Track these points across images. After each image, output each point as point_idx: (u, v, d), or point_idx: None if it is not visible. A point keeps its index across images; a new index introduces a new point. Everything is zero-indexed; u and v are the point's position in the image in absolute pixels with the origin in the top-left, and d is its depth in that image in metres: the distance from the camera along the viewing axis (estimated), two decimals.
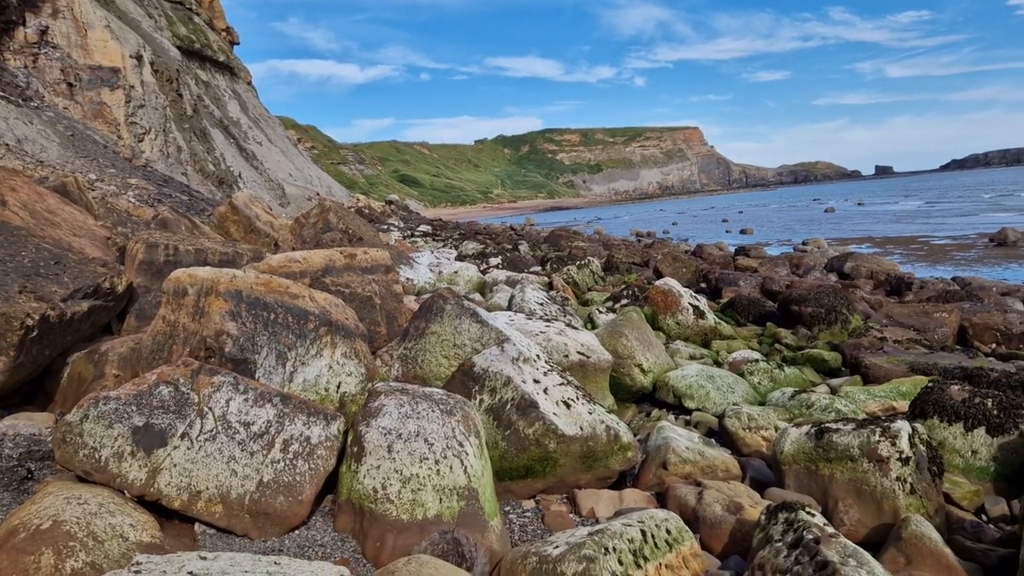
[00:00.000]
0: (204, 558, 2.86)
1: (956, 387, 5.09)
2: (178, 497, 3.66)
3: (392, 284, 6.26)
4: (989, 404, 4.81)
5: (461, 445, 3.91)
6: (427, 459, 3.79)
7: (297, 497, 3.81)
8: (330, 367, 4.57)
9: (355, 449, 3.89)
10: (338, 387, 4.59)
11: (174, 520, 3.75)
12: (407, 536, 3.64)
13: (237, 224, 10.39)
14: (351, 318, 4.82)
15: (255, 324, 4.41)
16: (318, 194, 41.61)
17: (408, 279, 10.98)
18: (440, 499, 3.73)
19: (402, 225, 41.44)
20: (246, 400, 3.93)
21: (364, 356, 4.79)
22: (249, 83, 51.99)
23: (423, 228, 38.12)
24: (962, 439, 4.80)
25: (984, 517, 4.41)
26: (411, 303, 7.72)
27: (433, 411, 4.01)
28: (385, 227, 34.20)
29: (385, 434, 3.87)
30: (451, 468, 3.81)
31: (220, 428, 3.81)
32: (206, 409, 3.85)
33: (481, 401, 4.68)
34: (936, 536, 3.61)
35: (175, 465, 3.69)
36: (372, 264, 6.16)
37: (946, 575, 3.43)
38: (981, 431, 4.76)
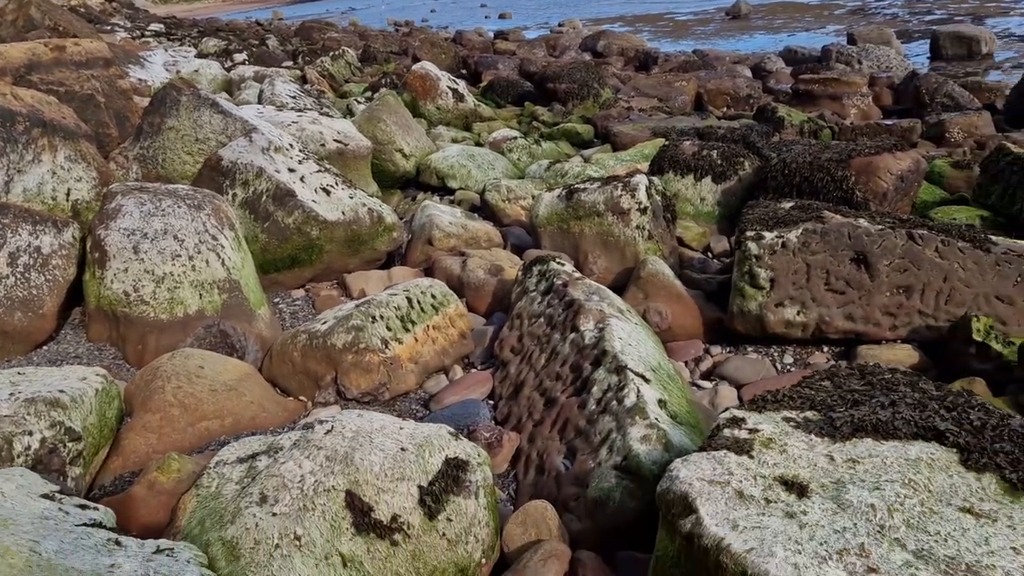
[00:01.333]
0: None
1: (688, 143, 5.56)
2: None
3: (116, 80, 5.60)
4: (714, 155, 5.32)
5: (215, 239, 3.75)
6: (180, 256, 3.62)
7: (37, 311, 3.52)
8: (54, 173, 4.10)
9: (96, 255, 3.61)
10: (68, 194, 4.16)
11: None
12: (169, 334, 3.53)
13: None
14: (70, 117, 4.30)
15: None
16: None
17: (141, 80, 9.88)
18: (200, 294, 3.61)
19: (129, 25, 36.62)
20: None
21: (93, 159, 4.34)
22: None
23: (155, 27, 33.96)
24: (692, 189, 5.32)
25: (710, 254, 5.01)
26: (145, 104, 6.99)
27: (180, 207, 3.77)
28: (108, 27, 30.06)
29: (128, 235, 3.61)
30: (207, 263, 3.67)
31: None
32: None
33: (234, 196, 4.46)
34: (668, 272, 4.06)
35: None
36: (87, 57, 5.43)
37: (676, 302, 3.90)
38: (708, 180, 5.29)
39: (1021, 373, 2.97)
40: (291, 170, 4.60)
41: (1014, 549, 1.60)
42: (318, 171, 4.75)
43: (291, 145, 4.84)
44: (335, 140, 5.85)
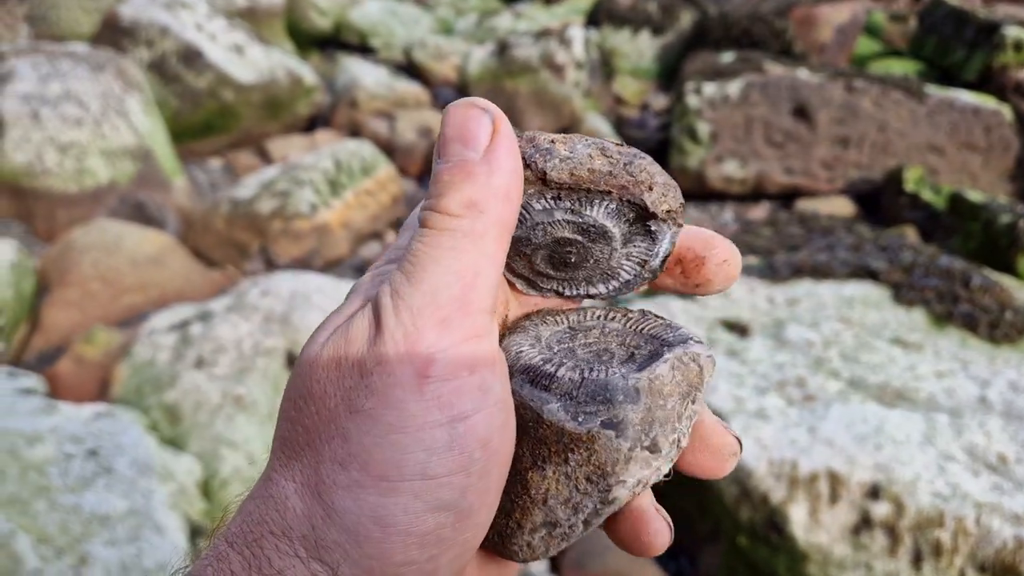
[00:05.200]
0: None
1: None
2: None
3: None
4: (652, 8, 5.15)
5: (122, 103, 3.48)
6: (85, 122, 3.35)
7: None
8: None
9: None
10: None
11: None
12: (81, 207, 3.31)
13: None
14: None
15: None
16: None
17: None
18: (112, 163, 3.38)
19: None
20: None
21: None
22: None
23: None
24: (630, 44, 5.16)
25: (649, 112, 4.93)
26: None
27: (80, 68, 3.47)
28: None
29: (26, 101, 3.31)
30: (116, 129, 3.41)
31: None
32: None
33: (140, 59, 4.12)
34: (607, 130, 3.98)
35: None
36: None
37: None
38: (645, 34, 5.13)
39: (949, 220, 3.04)
40: (199, 27, 4.26)
41: (937, 374, 1.66)
42: (228, 29, 4.42)
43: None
44: None
